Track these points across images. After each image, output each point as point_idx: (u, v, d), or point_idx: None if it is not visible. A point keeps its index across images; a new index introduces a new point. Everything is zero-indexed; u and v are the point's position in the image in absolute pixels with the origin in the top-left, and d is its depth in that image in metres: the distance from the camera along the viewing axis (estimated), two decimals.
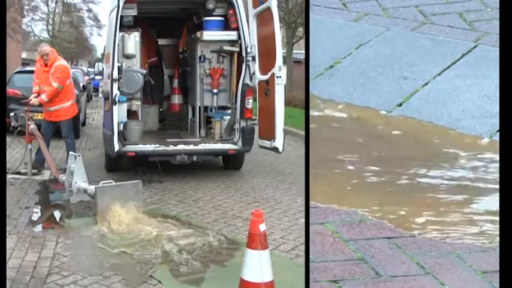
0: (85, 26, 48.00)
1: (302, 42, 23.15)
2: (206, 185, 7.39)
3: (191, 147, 7.63)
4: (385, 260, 3.54)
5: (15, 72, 12.66)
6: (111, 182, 5.77)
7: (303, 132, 11.83)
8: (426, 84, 4.88)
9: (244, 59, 7.66)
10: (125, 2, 7.43)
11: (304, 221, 5.56)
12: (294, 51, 24.05)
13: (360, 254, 3.59)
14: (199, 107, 8.40)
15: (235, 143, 7.73)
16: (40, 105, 7.82)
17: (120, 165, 8.08)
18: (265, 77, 7.20)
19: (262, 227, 3.59)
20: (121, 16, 7.39)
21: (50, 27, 41.71)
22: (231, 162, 8.45)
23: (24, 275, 4.17)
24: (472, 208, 3.88)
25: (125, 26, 7.81)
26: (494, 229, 3.71)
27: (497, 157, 4.18)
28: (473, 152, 4.29)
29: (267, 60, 7.22)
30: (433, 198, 3.95)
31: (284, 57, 15.10)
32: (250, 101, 7.76)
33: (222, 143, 7.89)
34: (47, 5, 41.17)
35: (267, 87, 7.13)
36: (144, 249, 4.78)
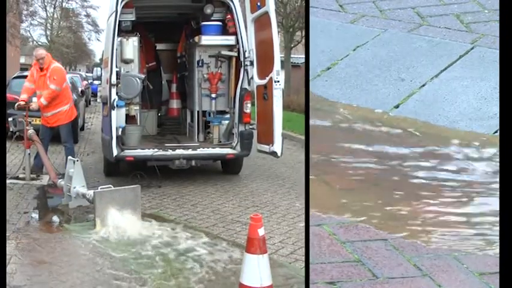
0: (83, 31, 48.20)
1: (300, 46, 23.20)
2: (205, 190, 7.39)
3: (190, 151, 7.63)
4: (382, 261, 3.54)
5: (14, 78, 12.66)
6: (110, 187, 5.77)
7: (302, 137, 11.86)
8: (423, 85, 4.89)
9: (243, 64, 7.67)
10: (123, 7, 7.45)
11: (303, 225, 5.57)
12: (292, 56, 24.09)
13: (357, 256, 3.59)
14: (198, 112, 8.40)
15: (234, 148, 7.74)
16: (39, 109, 7.82)
17: (119, 170, 8.08)
18: (264, 82, 7.21)
19: (261, 232, 3.58)
20: (119, 21, 7.40)
21: (48, 32, 41.80)
22: (230, 167, 8.45)
23: (23, 281, 4.17)
24: (471, 209, 3.89)
25: (123, 30, 7.83)
26: (491, 230, 3.72)
27: (494, 156, 4.19)
28: (472, 151, 4.30)
29: (265, 64, 7.23)
30: (431, 198, 3.96)
31: (282, 62, 15.17)
32: (249, 105, 7.76)
33: (220, 148, 7.90)
34: (45, 10, 41.33)
35: (265, 91, 7.15)
36: (142, 254, 4.78)
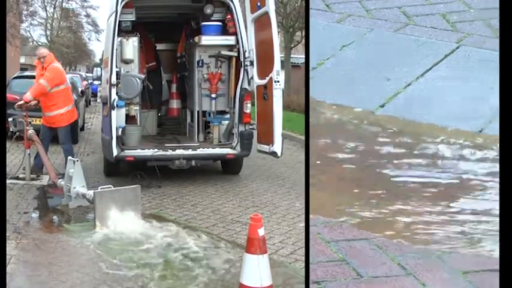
0: (83, 31, 48.24)
1: (300, 46, 23.20)
2: (205, 190, 7.39)
3: (190, 152, 7.63)
4: (366, 260, 3.54)
5: (14, 78, 12.66)
6: (110, 187, 5.77)
7: (302, 137, 11.86)
8: (409, 85, 4.88)
9: (243, 64, 7.68)
10: (123, 7, 7.45)
11: (303, 225, 5.57)
12: (292, 56, 24.08)
13: (342, 255, 3.59)
14: (198, 112, 8.41)
15: (234, 148, 7.74)
16: (26, 104, 7.68)
17: (119, 170, 8.08)
18: (264, 82, 7.22)
19: (261, 232, 3.58)
20: (119, 21, 7.40)
21: (48, 33, 41.82)
22: (230, 167, 8.46)
23: (23, 281, 4.17)
24: (455, 208, 3.89)
25: (123, 31, 7.83)
26: (476, 229, 3.72)
27: (480, 155, 4.20)
28: (457, 150, 4.30)
29: (265, 64, 7.23)
30: (416, 197, 3.96)
31: (282, 62, 15.16)
32: (249, 105, 7.76)
33: (220, 148, 7.90)
34: (46, 10, 41.36)
35: (265, 91, 7.15)
36: (142, 254, 4.79)
